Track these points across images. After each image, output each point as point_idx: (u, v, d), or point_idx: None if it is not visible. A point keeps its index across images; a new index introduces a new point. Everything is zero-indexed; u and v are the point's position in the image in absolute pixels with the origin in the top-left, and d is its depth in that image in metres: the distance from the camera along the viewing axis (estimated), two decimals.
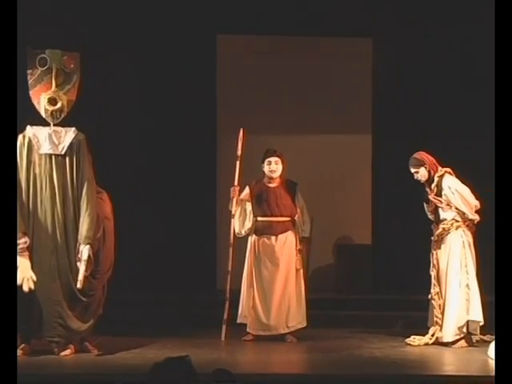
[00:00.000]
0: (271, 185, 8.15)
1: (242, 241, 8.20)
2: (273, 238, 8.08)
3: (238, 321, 8.04)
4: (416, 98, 9.87)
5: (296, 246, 8.09)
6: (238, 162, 8.04)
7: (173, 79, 9.83)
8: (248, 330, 8.05)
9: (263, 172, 8.15)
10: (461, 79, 9.87)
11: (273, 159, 8.09)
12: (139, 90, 9.75)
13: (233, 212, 8.11)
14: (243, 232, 8.13)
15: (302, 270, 8.09)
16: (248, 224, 8.13)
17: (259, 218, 8.13)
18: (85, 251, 6.98)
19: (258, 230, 8.12)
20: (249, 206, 8.14)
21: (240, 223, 8.13)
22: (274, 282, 8.04)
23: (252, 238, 8.13)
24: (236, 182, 8.07)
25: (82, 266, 6.96)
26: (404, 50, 9.75)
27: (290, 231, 8.09)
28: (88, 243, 7.01)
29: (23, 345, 7.19)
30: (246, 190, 8.16)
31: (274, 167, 8.08)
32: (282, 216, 8.09)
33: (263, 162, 8.11)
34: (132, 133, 9.75)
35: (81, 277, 6.94)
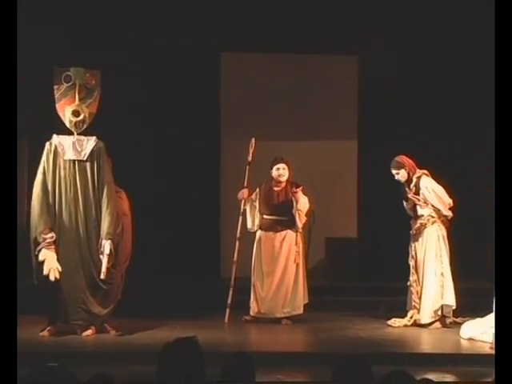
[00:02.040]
0: (276, 188, 8.18)
1: (245, 236, 8.22)
2: (274, 234, 8.11)
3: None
4: (396, 108, 9.87)
5: (296, 243, 8.09)
6: (247, 167, 8.10)
7: (181, 93, 9.82)
8: (251, 311, 8.07)
9: (271, 176, 8.17)
10: (437, 91, 9.87)
11: (281, 166, 8.13)
12: (152, 102, 9.73)
13: (241, 210, 8.14)
14: (255, 227, 8.17)
15: (301, 264, 8.09)
16: (257, 221, 8.17)
17: (264, 216, 8.17)
18: (107, 246, 7.02)
19: (263, 226, 8.16)
20: (257, 205, 8.18)
21: (251, 220, 8.17)
22: (274, 272, 8.07)
23: (259, 233, 8.17)
24: (245, 185, 8.10)
25: (104, 259, 7.00)
26: (386, 66, 9.73)
27: (290, 229, 8.10)
28: (109, 238, 7.05)
29: (49, 327, 7.20)
30: (257, 191, 8.20)
31: (282, 172, 8.12)
32: (282, 215, 8.10)
33: (271, 168, 8.14)
34: (147, 140, 9.75)
35: (104, 269, 6.99)
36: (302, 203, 8.07)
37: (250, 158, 8.16)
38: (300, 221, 8.08)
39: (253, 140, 8.21)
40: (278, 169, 8.14)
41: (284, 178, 8.15)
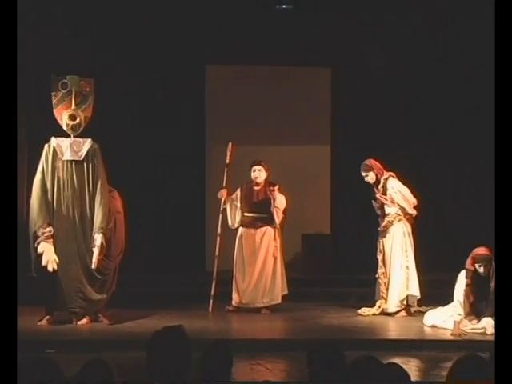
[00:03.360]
0: (256, 187, 8.17)
1: (227, 232, 8.20)
2: (255, 230, 8.10)
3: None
4: (366, 115, 9.89)
5: (274, 238, 8.09)
6: (226, 169, 8.08)
7: (170, 102, 9.78)
8: (233, 302, 8.05)
9: (251, 177, 8.16)
10: (402, 100, 9.90)
11: (257, 168, 8.13)
12: (142, 109, 9.69)
13: (221, 208, 8.12)
14: (236, 225, 8.15)
15: (279, 258, 8.09)
16: (238, 218, 8.15)
17: (245, 214, 8.15)
18: (98, 238, 7.02)
19: (244, 223, 8.14)
20: (238, 204, 8.16)
21: (232, 217, 8.15)
22: (254, 265, 8.06)
23: (240, 230, 8.16)
24: (224, 185, 8.08)
25: (95, 251, 7.02)
26: (356, 78, 9.76)
27: (269, 225, 8.09)
28: (101, 232, 7.05)
29: (48, 316, 7.17)
30: (238, 191, 8.17)
31: (257, 174, 8.12)
32: (262, 213, 8.09)
33: (250, 170, 8.13)
34: (139, 144, 9.69)
35: (94, 259, 7.00)
36: (279, 201, 8.07)
37: (227, 161, 8.15)
38: (278, 218, 8.08)
39: (230, 144, 8.20)
40: (255, 170, 8.14)
41: (260, 179, 8.14)
